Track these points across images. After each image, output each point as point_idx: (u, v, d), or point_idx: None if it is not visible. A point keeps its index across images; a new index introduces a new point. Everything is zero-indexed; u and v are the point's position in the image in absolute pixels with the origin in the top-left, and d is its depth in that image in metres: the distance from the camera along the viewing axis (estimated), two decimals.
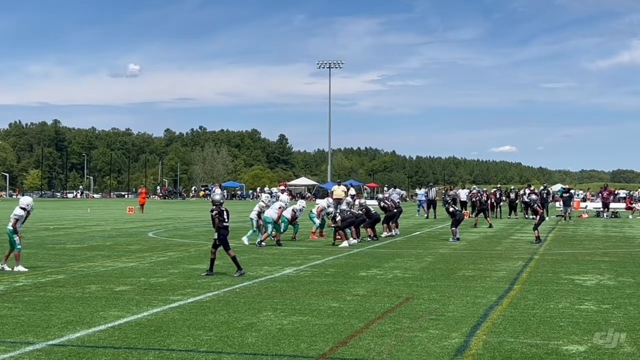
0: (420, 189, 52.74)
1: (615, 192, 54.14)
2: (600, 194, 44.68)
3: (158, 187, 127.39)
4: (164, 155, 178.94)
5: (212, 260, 13.87)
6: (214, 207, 13.96)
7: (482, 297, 11.43)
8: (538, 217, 22.62)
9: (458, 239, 22.51)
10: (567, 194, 39.88)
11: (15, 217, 14.49)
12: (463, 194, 41.78)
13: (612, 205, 46.18)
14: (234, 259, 13.73)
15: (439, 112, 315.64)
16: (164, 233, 26.56)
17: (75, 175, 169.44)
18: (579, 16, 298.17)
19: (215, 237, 13.74)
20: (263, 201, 21.23)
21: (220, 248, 13.76)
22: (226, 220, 13.86)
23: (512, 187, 47.13)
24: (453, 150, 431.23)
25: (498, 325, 9.17)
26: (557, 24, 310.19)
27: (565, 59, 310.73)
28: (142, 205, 47.08)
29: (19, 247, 14.46)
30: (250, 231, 20.93)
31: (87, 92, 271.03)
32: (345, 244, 20.52)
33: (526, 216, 39.87)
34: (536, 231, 22.38)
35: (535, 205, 23.06)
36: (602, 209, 42.80)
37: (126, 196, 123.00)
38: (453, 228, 22.69)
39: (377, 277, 13.92)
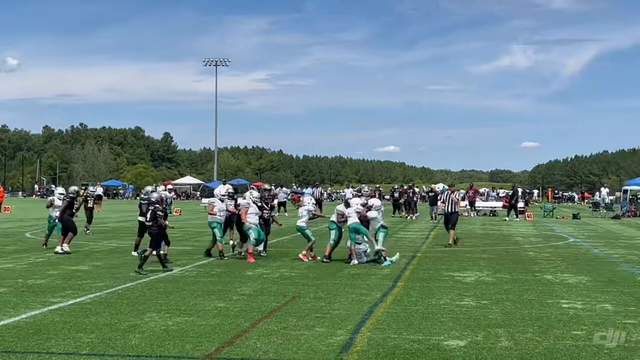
0: (306, 188, 53.06)
1: (484, 192, 56.32)
2: (467, 193, 46.22)
3: (36, 186, 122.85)
4: (42, 152, 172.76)
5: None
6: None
7: (367, 295, 11.62)
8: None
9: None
10: (432, 194, 39.17)
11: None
12: (349, 193, 42.27)
13: (491, 204, 48.23)
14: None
15: (327, 111, 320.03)
16: (42, 233, 25.60)
17: None
18: (463, 20, 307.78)
19: None
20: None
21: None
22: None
23: (396, 187, 48.22)
24: (339, 150, 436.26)
25: (382, 322, 9.35)
26: (442, 27, 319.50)
27: (450, 62, 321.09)
28: None
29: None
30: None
31: None
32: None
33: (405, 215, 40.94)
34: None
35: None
36: (469, 208, 44.12)
37: None
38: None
39: (263, 276, 13.91)
